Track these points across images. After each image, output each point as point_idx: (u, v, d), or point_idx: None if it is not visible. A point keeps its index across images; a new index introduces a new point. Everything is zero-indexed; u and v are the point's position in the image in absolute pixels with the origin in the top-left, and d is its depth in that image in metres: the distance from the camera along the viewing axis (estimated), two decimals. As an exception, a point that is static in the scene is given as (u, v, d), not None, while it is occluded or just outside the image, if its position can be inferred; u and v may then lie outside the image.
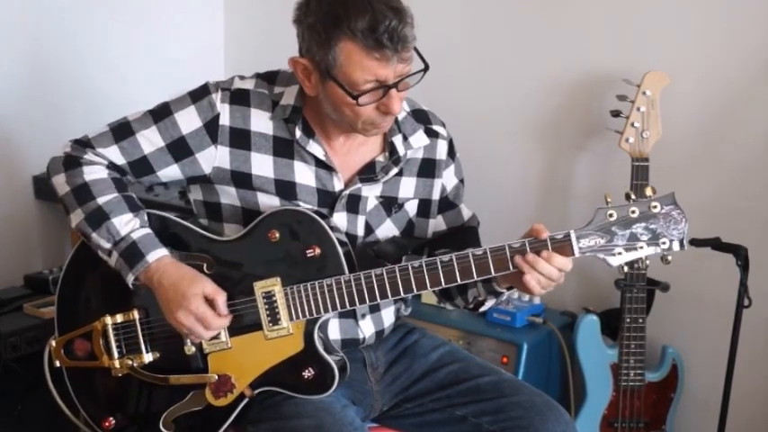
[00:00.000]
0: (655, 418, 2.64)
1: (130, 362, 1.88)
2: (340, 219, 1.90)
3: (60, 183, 1.87)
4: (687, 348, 2.68)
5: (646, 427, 2.63)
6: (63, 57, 2.99)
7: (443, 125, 2.04)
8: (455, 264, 1.76)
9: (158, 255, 1.81)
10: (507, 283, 1.85)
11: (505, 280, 1.83)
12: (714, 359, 2.56)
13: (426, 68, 1.78)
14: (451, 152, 2.04)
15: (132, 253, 1.81)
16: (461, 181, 2.07)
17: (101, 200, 1.83)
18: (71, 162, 1.86)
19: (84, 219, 1.83)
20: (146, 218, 1.87)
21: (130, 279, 1.81)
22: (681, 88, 2.55)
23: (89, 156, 1.86)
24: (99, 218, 1.82)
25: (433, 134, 2.00)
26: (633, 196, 1.73)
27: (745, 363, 2.48)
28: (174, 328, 1.82)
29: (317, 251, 1.80)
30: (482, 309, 1.98)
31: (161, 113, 1.88)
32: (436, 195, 2.02)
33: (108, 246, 1.83)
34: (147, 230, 1.84)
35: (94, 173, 1.85)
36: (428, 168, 1.99)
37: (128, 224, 1.82)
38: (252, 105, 1.87)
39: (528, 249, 1.73)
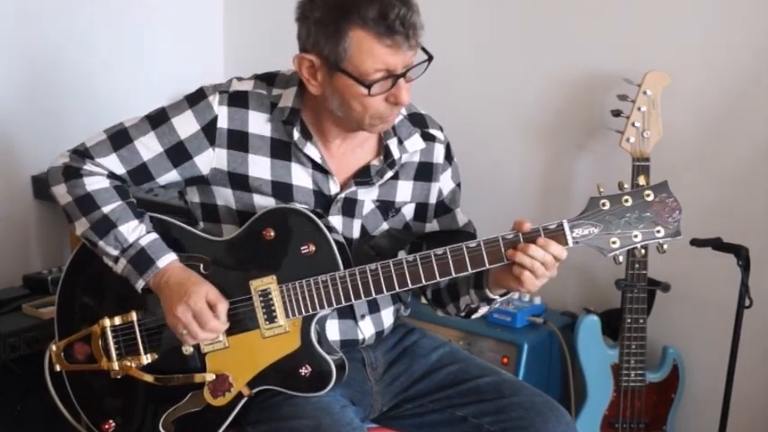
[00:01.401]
0: (655, 418, 2.64)
1: (129, 363, 1.88)
2: (335, 222, 1.89)
3: (61, 193, 1.86)
4: (688, 349, 2.67)
5: (646, 428, 2.63)
6: (62, 57, 2.99)
7: (441, 129, 2.03)
8: (449, 256, 1.75)
9: (168, 260, 1.82)
10: (500, 288, 1.84)
11: (498, 284, 1.83)
12: (715, 360, 2.55)
13: (430, 59, 1.78)
14: (449, 156, 2.04)
15: (142, 259, 1.81)
16: (458, 185, 2.07)
17: (106, 209, 1.83)
18: (71, 173, 1.86)
19: (90, 228, 1.83)
20: (150, 222, 1.87)
21: (141, 285, 1.82)
22: (682, 88, 2.54)
23: (89, 166, 1.86)
24: (106, 226, 1.82)
25: (429, 138, 1.99)
26: (626, 186, 1.72)
27: (747, 363, 2.47)
28: (171, 327, 1.81)
29: (312, 248, 1.79)
30: (474, 316, 1.97)
31: (158, 119, 1.87)
32: (433, 199, 2.01)
33: (115, 253, 1.83)
34: (154, 236, 1.84)
35: (96, 183, 1.85)
36: (425, 172, 1.99)
37: (134, 231, 1.83)
38: (250, 107, 1.86)
39: (521, 240, 1.73)
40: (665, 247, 1.72)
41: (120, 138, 1.86)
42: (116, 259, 1.83)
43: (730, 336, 2.38)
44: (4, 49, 2.82)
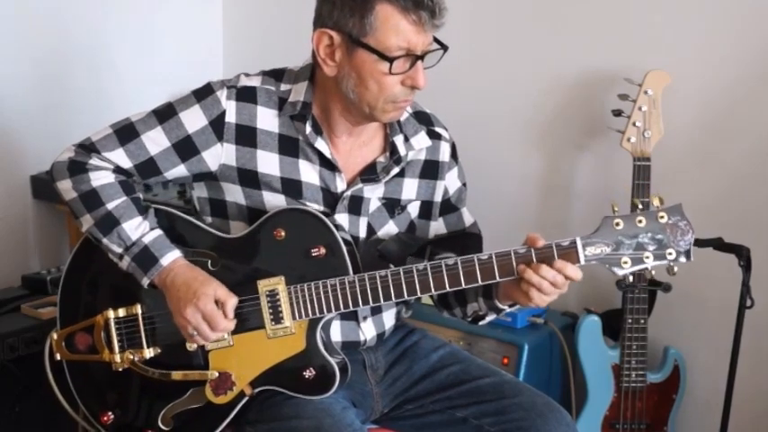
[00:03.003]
0: (657, 419, 2.63)
1: (131, 356, 1.87)
2: (341, 220, 1.89)
3: (66, 188, 1.85)
4: (689, 349, 2.67)
5: (648, 429, 2.62)
6: (61, 56, 2.98)
7: (446, 128, 2.04)
8: (460, 268, 1.75)
9: (172, 257, 1.81)
10: (509, 299, 1.84)
11: (507, 295, 1.82)
12: (716, 360, 2.55)
13: (446, 49, 1.80)
14: (454, 155, 2.04)
15: (145, 257, 1.80)
16: (464, 185, 2.07)
17: (110, 205, 1.82)
18: (76, 168, 1.84)
19: (95, 224, 1.83)
20: (155, 218, 1.86)
21: (146, 283, 1.81)
22: (683, 87, 2.54)
23: (94, 161, 1.84)
24: (109, 223, 1.82)
25: (435, 136, 1.99)
26: (640, 206, 1.74)
27: (748, 363, 2.48)
28: (179, 327, 1.80)
29: (322, 251, 1.79)
30: (481, 323, 1.98)
31: (165, 114, 1.86)
32: (438, 197, 2.01)
33: (119, 251, 1.82)
34: (158, 232, 1.83)
35: (102, 178, 1.84)
36: (431, 170, 1.99)
37: (138, 228, 1.82)
38: (258, 103, 1.86)
39: (533, 255, 1.72)
40: (676, 269, 1.72)
41: (126, 132, 1.85)
42: (120, 257, 1.83)
43: (731, 336, 2.38)
44: (4, 49, 2.82)
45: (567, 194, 2.85)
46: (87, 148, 1.86)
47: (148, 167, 1.86)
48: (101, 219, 1.82)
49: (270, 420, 1.80)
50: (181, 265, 1.81)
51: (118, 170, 1.86)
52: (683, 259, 1.71)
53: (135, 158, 1.85)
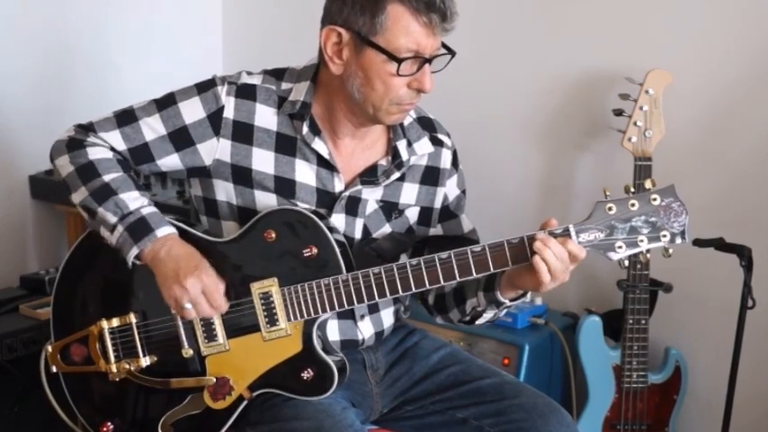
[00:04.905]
0: (658, 420, 2.63)
1: (128, 366, 1.86)
2: (338, 220, 1.88)
3: (63, 164, 1.86)
4: (690, 350, 2.66)
5: (648, 430, 2.62)
6: (61, 56, 2.98)
7: (448, 135, 2.03)
8: (453, 261, 1.74)
9: (167, 231, 1.79)
10: (512, 289, 1.83)
11: (511, 282, 1.81)
12: (718, 360, 2.55)
13: (453, 54, 1.79)
14: (455, 162, 2.03)
15: (140, 227, 1.78)
16: (463, 192, 2.07)
17: (107, 177, 1.82)
18: (74, 144, 1.86)
19: (90, 195, 1.81)
20: (150, 199, 1.85)
21: (133, 254, 1.77)
22: (684, 86, 2.53)
23: (92, 139, 1.86)
24: (106, 193, 1.80)
25: (437, 142, 1.99)
26: (632, 189, 1.72)
27: (749, 364, 2.47)
28: (170, 299, 1.76)
29: (315, 251, 1.78)
30: (478, 322, 1.96)
31: (165, 102, 1.87)
32: (438, 204, 2.01)
33: (114, 220, 1.79)
34: (156, 209, 1.83)
35: (99, 153, 1.84)
36: (431, 176, 1.98)
37: (136, 200, 1.81)
38: (258, 100, 1.86)
39: (526, 243, 1.72)
40: (671, 251, 1.71)
41: (125, 117, 1.87)
42: (113, 227, 1.79)
43: (733, 336, 2.37)
44: (4, 49, 2.82)
45: (567, 194, 2.84)
46: (86, 127, 1.88)
47: (142, 153, 1.86)
48: (97, 189, 1.81)
49: (270, 421, 1.79)
50: (176, 239, 1.79)
51: (113, 150, 1.86)
52: (678, 240, 1.71)
53: (130, 142, 1.85)
